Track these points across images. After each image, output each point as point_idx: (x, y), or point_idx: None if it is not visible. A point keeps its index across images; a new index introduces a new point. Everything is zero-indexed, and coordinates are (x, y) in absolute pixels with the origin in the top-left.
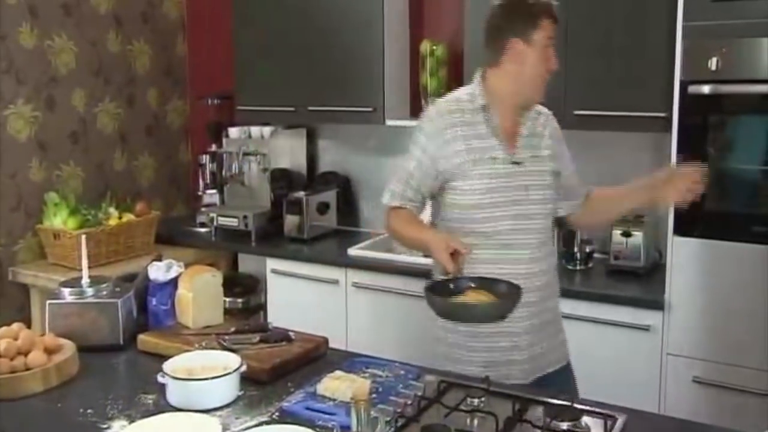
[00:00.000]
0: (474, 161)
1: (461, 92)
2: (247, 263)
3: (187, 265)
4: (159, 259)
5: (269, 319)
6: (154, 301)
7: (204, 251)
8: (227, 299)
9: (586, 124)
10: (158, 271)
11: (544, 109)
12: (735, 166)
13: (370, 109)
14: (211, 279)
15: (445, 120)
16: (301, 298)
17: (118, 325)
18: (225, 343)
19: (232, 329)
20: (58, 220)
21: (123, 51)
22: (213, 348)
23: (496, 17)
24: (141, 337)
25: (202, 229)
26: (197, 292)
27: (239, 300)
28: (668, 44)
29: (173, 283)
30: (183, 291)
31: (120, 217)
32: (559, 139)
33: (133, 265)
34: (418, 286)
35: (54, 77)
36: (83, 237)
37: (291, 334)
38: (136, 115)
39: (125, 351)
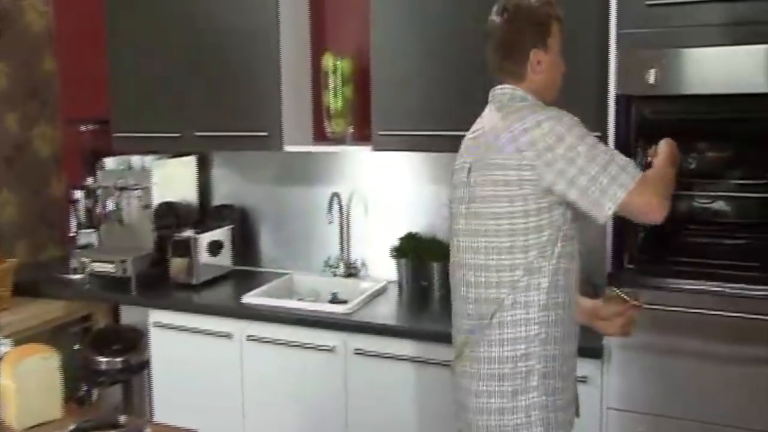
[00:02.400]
0: None
1: (534, 103)
2: (130, 314)
3: (18, 343)
4: None
5: (153, 382)
6: None
7: (77, 303)
8: (104, 359)
9: None
10: None
11: None
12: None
13: (265, 134)
14: (41, 363)
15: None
16: (190, 354)
17: None
18: None
19: (71, 427)
20: None
21: None
22: None
23: (509, 32)
24: None
25: (76, 276)
26: (22, 381)
27: (118, 359)
28: (600, 55)
29: None
30: (4, 380)
31: None
32: None
33: None
34: (321, 337)
35: None
36: None
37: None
38: None
39: None
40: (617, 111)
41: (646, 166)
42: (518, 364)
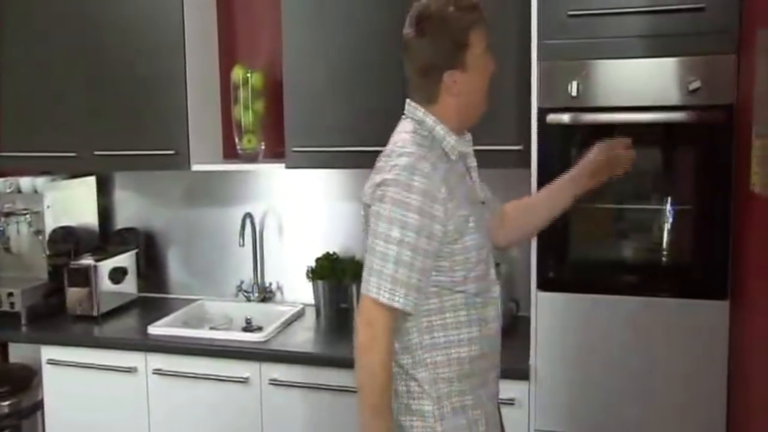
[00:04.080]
0: (471, 209)
1: (409, 134)
2: (20, 352)
3: None
4: None
5: (47, 426)
6: None
7: None
8: None
9: None
10: None
11: None
12: (602, 206)
13: (171, 152)
14: None
15: (440, 168)
16: (89, 393)
17: None
18: None
19: None
20: None
21: None
22: None
23: (420, 49)
24: None
25: None
26: None
27: (6, 403)
28: (521, 66)
29: None
30: None
31: None
32: None
33: None
34: (234, 368)
35: None
36: None
37: None
38: None
39: None
40: (539, 124)
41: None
42: None
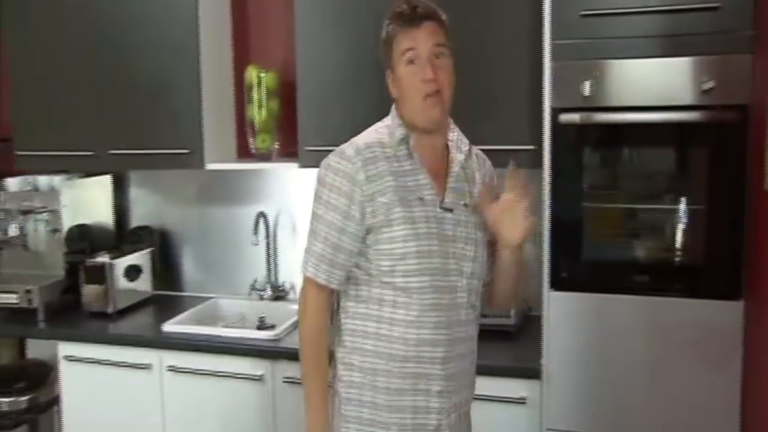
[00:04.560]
0: (400, 200)
1: (375, 126)
2: (38, 348)
3: None
4: None
5: (64, 421)
6: None
7: None
8: (7, 399)
9: None
10: None
11: (478, 150)
12: (616, 206)
13: (185, 151)
14: None
15: (366, 154)
16: (105, 389)
17: None
18: None
19: None
20: None
21: None
22: None
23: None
24: None
25: None
26: None
27: (23, 398)
28: (533, 66)
29: None
30: None
31: None
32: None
33: None
34: (248, 366)
35: None
36: None
37: None
38: None
39: None
40: (552, 124)
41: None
42: None
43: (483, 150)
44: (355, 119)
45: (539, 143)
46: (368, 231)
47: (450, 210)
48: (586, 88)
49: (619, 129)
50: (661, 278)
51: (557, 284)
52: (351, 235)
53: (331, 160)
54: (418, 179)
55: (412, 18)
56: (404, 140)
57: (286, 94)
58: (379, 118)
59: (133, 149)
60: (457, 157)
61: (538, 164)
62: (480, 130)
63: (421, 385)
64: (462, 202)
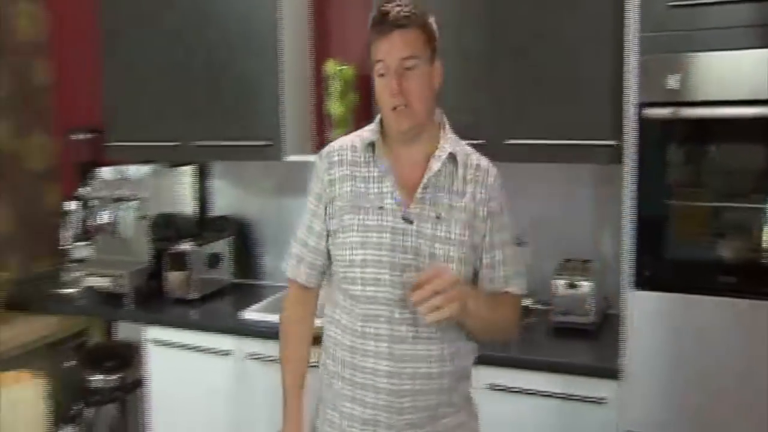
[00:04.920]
0: (355, 207)
1: (365, 127)
2: (126, 330)
3: (8, 361)
4: None
5: (149, 401)
6: None
7: (71, 318)
8: (99, 377)
9: (519, 156)
10: None
11: (485, 162)
12: (701, 204)
13: (266, 143)
14: (26, 392)
15: (332, 157)
16: (187, 372)
17: None
18: None
19: None
20: None
21: None
22: None
23: None
24: None
25: (70, 291)
26: (7, 411)
27: (113, 377)
28: (615, 58)
29: None
30: None
31: None
32: (495, 211)
33: None
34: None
35: None
36: None
37: None
38: None
39: None
40: (636, 118)
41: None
42: None
43: (563, 145)
44: None
45: (621, 138)
46: (329, 234)
47: (410, 221)
48: (674, 81)
49: (708, 124)
50: (749, 280)
51: (640, 283)
52: (317, 234)
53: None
54: (381, 187)
55: (382, 27)
56: (370, 146)
57: (363, 87)
58: (452, 111)
59: (216, 140)
60: (433, 166)
61: (618, 160)
62: (558, 124)
63: (369, 398)
64: (434, 215)
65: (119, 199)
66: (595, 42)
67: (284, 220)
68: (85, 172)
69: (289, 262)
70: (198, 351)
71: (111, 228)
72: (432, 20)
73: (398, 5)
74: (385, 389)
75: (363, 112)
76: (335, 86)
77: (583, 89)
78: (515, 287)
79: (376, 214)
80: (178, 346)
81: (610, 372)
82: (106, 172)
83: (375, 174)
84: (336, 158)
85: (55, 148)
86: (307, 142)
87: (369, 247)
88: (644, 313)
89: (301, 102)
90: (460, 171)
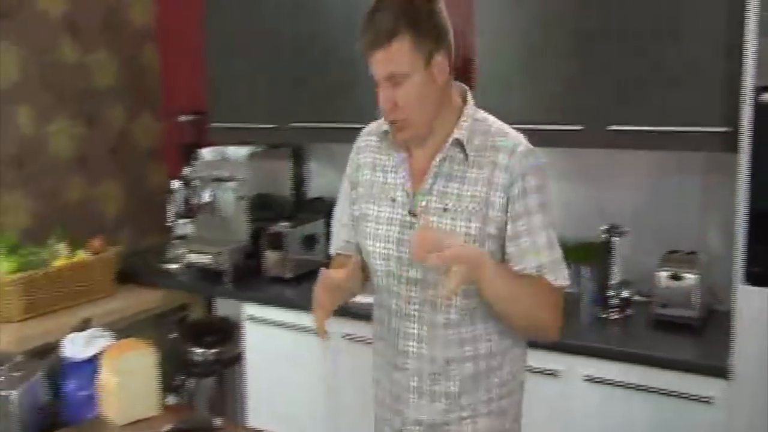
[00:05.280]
0: (371, 196)
1: None
2: (225, 307)
3: (118, 331)
4: (85, 325)
5: (246, 376)
6: (71, 386)
7: (174, 292)
8: (199, 350)
9: (624, 142)
10: (75, 346)
11: (509, 143)
12: None
13: (362, 126)
14: (141, 359)
15: (361, 141)
16: (283, 349)
17: (12, 426)
18: None
19: (167, 428)
20: None
21: (80, 61)
22: None
23: None
24: None
25: (173, 266)
26: (124, 376)
27: (212, 351)
28: (732, 40)
29: (96, 361)
30: (106, 375)
31: (71, 256)
32: (518, 194)
33: (87, 311)
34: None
35: None
36: None
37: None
38: (97, 135)
39: None
40: (753, 104)
41: None
42: None
43: (672, 132)
44: (534, 100)
45: (734, 125)
46: (353, 220)
47: (414, 215)
48: None
49: None
50: None
51: (751, 278)
52: (346, 214)
53: None
54: (396, 177)
55: (362, 44)
56: (386, 133)
57: (461, 70)
58: (559, 97)
59: (314, 123)
60: (438, 155)
61: (732, 148)
62: (665, 109)
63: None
64: (441, 206)
65: (219, 180)
66: (711, 22)
67: None
68: (188, 152)
69: (331, 237)
70: (293, 329)
71: (211, 207)
72: (427, 13)
73: (380, 13)
74: (401, 380)
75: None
76: None
77: (695, 73)
78: (552, 276)
79: (388, 206)
80: (274, 324)
81: (717, 370)
82: (207, 153)
83: (391, 164)
84: (363, 143)
85: (161, 129)
86: None
87: (380, 239)
88: (756, 309)
89: None
90: (471, 156)
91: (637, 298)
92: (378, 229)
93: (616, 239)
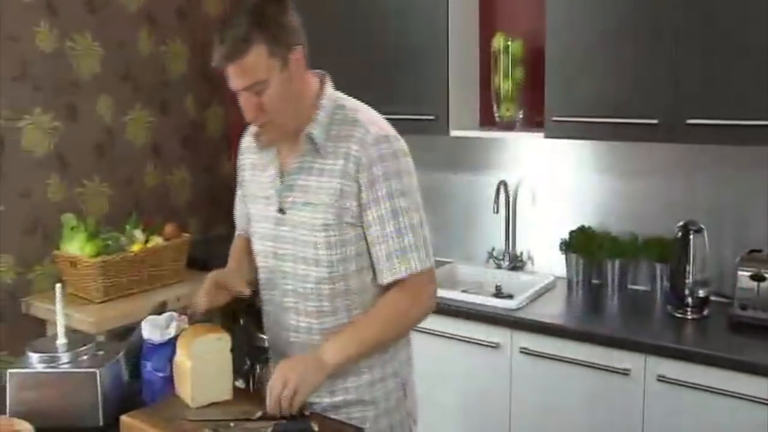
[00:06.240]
0: (252, 196)
1: None
2: None
3: (191, 320)
4: (162, 309)
5: None
6: (149, 366)
7: None
8: (264, 336)
9: (701, 137)
10: (154, 329)
11: (357, 132)
12: None
13: (431, 118)
14: (215, 344)
15: (244, 142)
16: None
17: (97, 402)
18: None
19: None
20: (75, 245)
21: (156, 52)
22: None
23: None
24: (124, 419)
25: None
26: (198, 360)
27: None
28: None
29: (173, 343)
30: (181, 357)
31: (146, 241)
32: (367, 184)
33: (160, 295)
34: (486, 333)
35: (76, 83)
36: (58, 287)
37: (314, 425)
38: (170, 124)
39: None
40: None
41: None
42: None
43: (751, 126)
44: (604, 90)
45: None
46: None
47: (282, 211)
48: None
49: None
50: None
51: None
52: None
53: None
54: (267, 175)
55: (218, 60)
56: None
57: (532, 62)
58: (627, 90)
59: (383, 114)
60: (295, 150)
61: None
62: (749, 102)
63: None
64: (303, 200)
65: None
66: (756, 13)
67: (446, 194)
68: None
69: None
70: None
71: None
72: (278, 20)
73: (233, 28)
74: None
75: (531, 87)
76: (503, 61)
77: (734, 61)
78: (404, 267)
79: (263, 204)
80: None
81: None
82: None
83: (266, 161)
84: (245, 144)
85: (232, 118)
86: (473, 117)
87: (259, 237)
88: None
89: (468, 76)
90: (328, 147)
91: (714, 298)
92: (258, 227)
93: (692, 236)
